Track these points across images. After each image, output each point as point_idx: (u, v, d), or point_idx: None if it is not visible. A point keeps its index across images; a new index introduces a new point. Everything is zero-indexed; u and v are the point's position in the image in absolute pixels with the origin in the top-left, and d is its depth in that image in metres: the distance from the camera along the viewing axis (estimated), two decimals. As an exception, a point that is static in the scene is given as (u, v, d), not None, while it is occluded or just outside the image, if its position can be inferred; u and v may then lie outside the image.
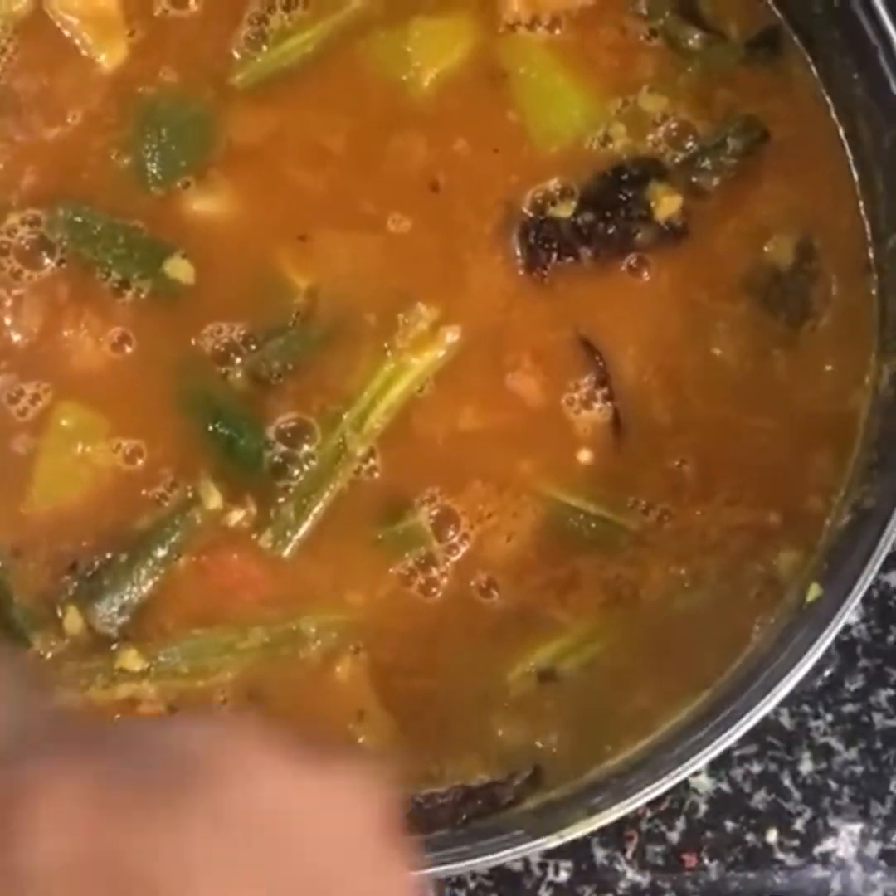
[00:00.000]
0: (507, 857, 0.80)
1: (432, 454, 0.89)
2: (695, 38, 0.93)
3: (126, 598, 0.87)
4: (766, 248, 0.91)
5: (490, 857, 0.79)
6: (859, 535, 0.84)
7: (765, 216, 0.91)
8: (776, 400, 0.91)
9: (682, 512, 0.90)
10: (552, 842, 0.80)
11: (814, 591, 0.85)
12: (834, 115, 0.92)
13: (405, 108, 0.92)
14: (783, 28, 0.93)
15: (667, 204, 0.91)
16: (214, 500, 0.85)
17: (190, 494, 0.87)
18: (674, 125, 0.92)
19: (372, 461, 0.90)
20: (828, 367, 0.91)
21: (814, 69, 0.93)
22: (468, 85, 0.92)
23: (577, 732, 0.87)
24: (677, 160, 0.93)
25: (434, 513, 0.89)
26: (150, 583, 0.87)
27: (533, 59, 0.91)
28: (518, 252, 0.91)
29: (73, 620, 0.88)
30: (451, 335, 0.88)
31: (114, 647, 0.88)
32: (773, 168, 0.92)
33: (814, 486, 0.90)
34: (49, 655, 0.88)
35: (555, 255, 0.90)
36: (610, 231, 0.91)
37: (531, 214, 0.91)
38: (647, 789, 0.81)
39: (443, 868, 0.80)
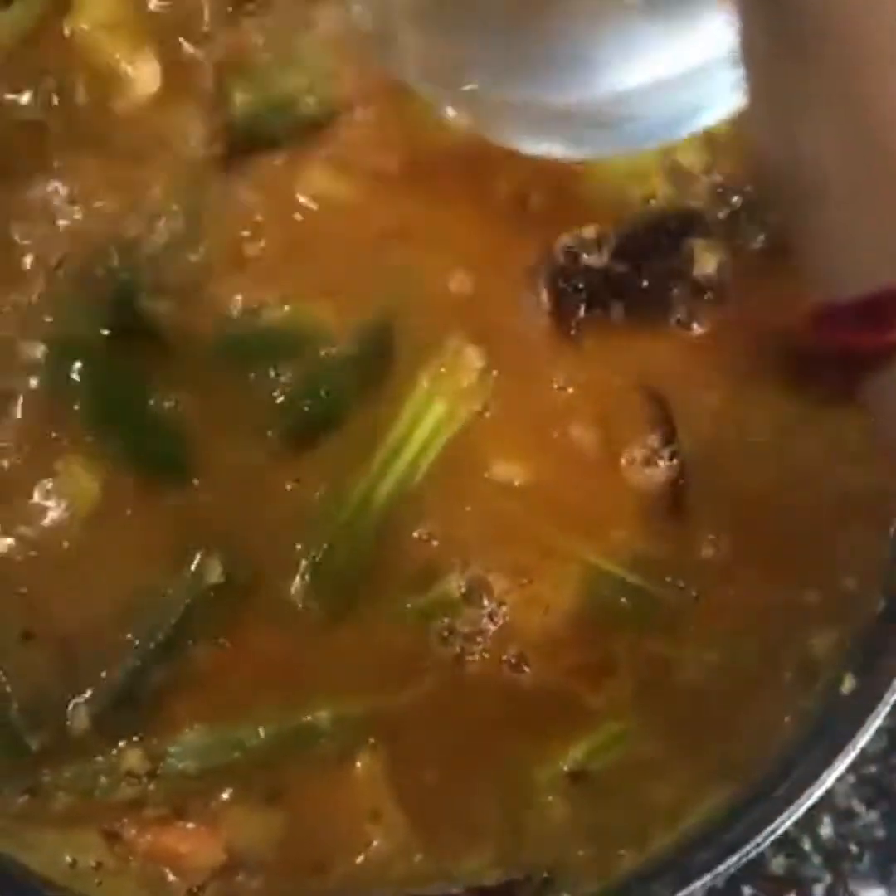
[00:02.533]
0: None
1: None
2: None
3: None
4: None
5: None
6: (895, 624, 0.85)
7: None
8: (813, 474, 0.92)
9: (716, 589, 0.91)
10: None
11: (849, 683, 0.87)
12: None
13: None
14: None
15: (706, 260, 0.91)
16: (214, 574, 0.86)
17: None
18: (718, 178, 0.92)
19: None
20: (868, 440, 0.91)
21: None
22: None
23: (602, 830, 0.89)
24: (721, 216, 0.93)
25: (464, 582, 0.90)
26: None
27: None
28: (545, 300, 0.91)
29: (80, 718, 0.88)
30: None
31: (120, 744, 0.90)
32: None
33: (850, 566, 0.92)
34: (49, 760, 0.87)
35: (583, 307, 0.91)
36: (644, 284, 0.90)
37: (563, 262, 0.92)
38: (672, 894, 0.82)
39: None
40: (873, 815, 1.04)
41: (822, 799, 0.96)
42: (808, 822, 1.03)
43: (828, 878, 1.03)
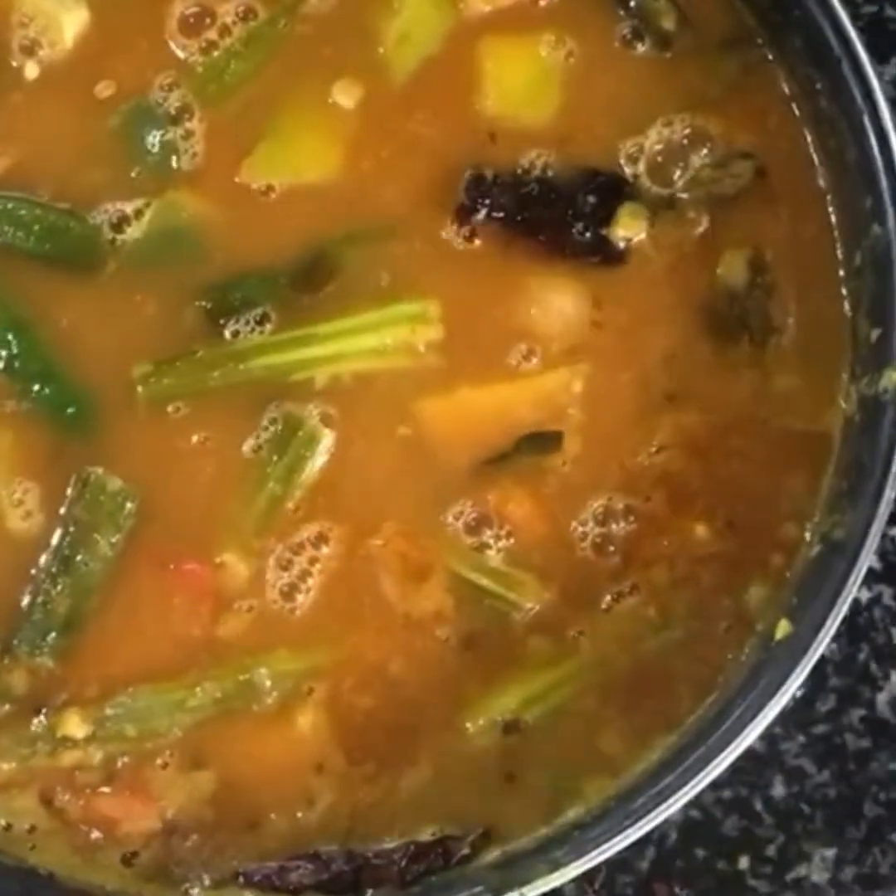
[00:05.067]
0: (466, 915, 0.81)
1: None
2: (670, 18, 0.96)
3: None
4: (718, 271, 0.94)
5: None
6: (829, 569, 0.88)
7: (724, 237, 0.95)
8: (749, 421, 0.95)
9: (650, 541, 0.93)
10: (510, 898, 0.81)
11: (783, 628, 0.89)
12: (804, 127, 0.97)
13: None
14: (755, 31, 0.97)
15: (626, 223, 0.95)
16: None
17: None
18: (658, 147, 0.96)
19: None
20: (799, 386, 0.95)
21: (784, 81, 0.96)
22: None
23: (540, 782, 0.91)
24: (664, 192, 0.96)
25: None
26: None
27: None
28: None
29: (20, 676, 0.90)
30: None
31: (58, 701, 0.91)
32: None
33: (788, 512, 0.94)
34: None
35: (487, 208, 0.94)
36: (549, 212, 0.95)
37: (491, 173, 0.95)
38: (612, 841, 0.84)
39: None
40: (825, 775, 1.05)
41: (772, 760, 1.01)
42: (760, 783, 1.04)
43: (780, 839, 1.04)
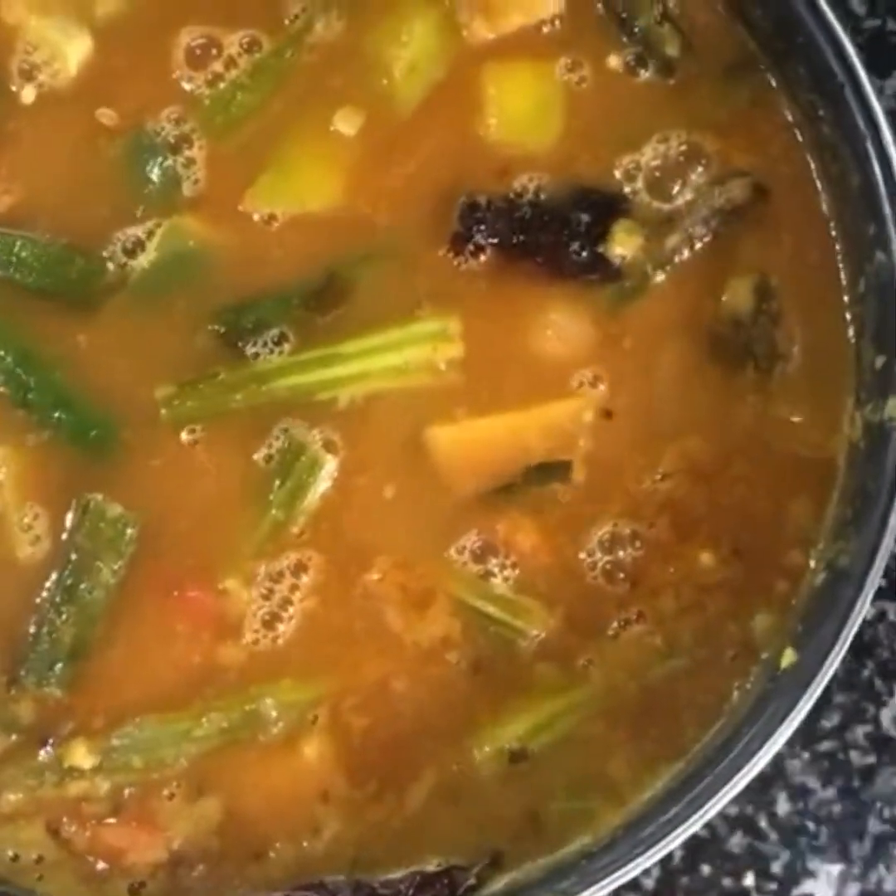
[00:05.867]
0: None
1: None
2: (674, 45, 0.96)
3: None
4: (724, 298, 0.94)
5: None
6: (835, 597, 0.88)
7: (729, 263, 0.95)
8: (754, 447, 0.95)
9: (656, 569, 0.93)
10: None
11: (788, 656, 0.89)
12: (807, 153, 0.97)
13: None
14: (758, 58, 0.97)
15: (622, 240, 0.95)
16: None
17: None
18: (654, 163, 0.96)
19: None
20: (803, 413, 0.95)
21: (786, 107, 0.97)
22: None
23: (547, 810, 0.91)
24: (663, 208, 0.96)
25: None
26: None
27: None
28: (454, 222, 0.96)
29: (27, 707, 0.90)
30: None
31: (65, 731, 0.91)
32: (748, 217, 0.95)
33: (793, 539, 0.94)
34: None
35: (482, 235, 0.95)
36: (543, 236, 0.96)
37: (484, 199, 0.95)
38: (620, 872, 0.84)
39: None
40: (829, 792, 1.05)
41: (776, 777, 1.00)
42: (764, 800, 1.04)
43: (786, 855, 1.04)
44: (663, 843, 0.84)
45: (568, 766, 0.91)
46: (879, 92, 0.87)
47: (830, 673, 0.85)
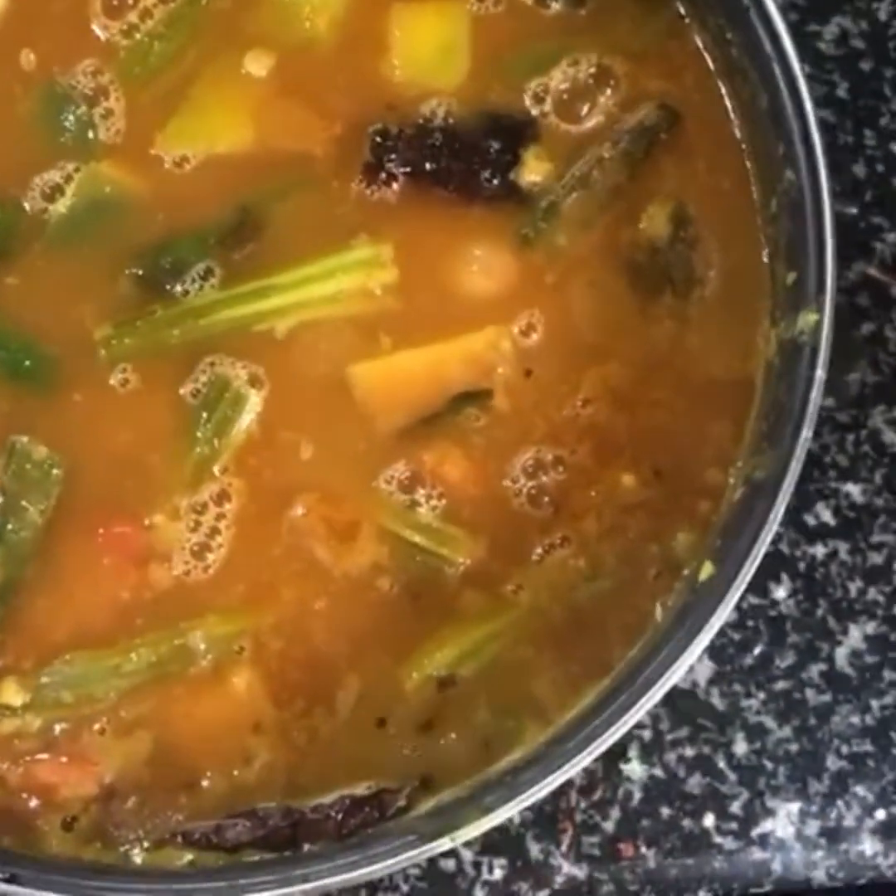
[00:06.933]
0: (399, 865, 0.85)
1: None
2: None
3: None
4: (641, 225, 0.95)
5: (380, 865, 0.84)
6: (751, 510, 0.89)
7: (645, 191, 0.96)
8: (672, 371, 0.96)
9: (579, 494, 0.94)
10: (444, 845, 0.85)
11: (707, 570, 0.90)
12: (718, 80, 0.98)
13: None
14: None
15: (533, 167, 0.96)
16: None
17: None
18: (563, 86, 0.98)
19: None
20: (721, 335, 0.96)
21: (696, 33, 0.98)
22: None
23: (474, 732, 0.92)
24: (573, 131, 0.98)
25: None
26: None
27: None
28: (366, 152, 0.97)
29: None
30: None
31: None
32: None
33: (712, 458, 0.95)
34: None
35: (393, 163, 0.96)
36: (454, 162, 0.97)
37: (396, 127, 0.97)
38: (541, 783, 0.85)
39: (333, 880, 0.84)
40: (786, 731, 1.06)
41: (733, 717, 1.03)
42: (722, 741, 1.05)
43: (744, 795, 1.05)
44: (583, 754, 0.86)
45: (495, 688, 0.92)
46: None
47: (746, 581, 0.86)
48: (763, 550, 0.86)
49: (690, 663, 0.85)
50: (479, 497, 0.95)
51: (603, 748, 0.86)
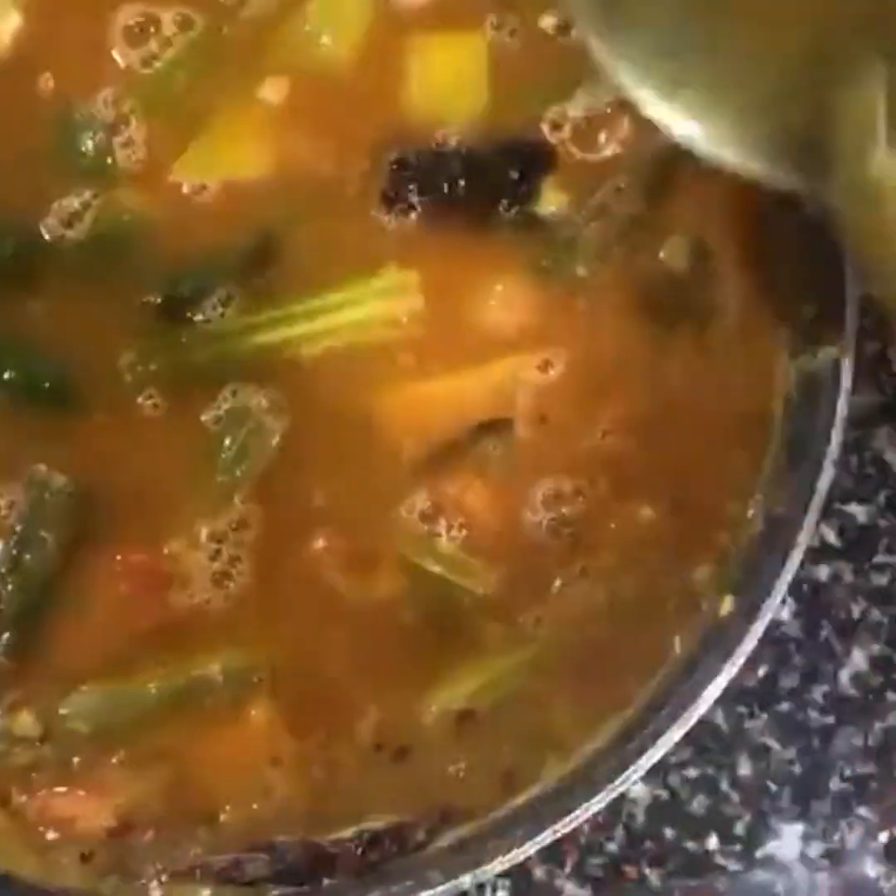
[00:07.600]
0: (421, 900, 0.82)
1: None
2: None
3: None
4: (661, 256, 0.95)
5: (402, 902, 0.81)
6: (772, 544, 0.89)
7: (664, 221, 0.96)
8: (691, 403, 0.96)
9: (596, 525, 0.94)
10: (466, 882, 0.85)
11: (727, 604, 0.90)
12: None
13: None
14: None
15: (550, 198, 0.96)
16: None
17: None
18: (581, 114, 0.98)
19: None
20: (740, 368, 0.96)
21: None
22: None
23: (494, 765, 0.91)
24: (590, 160, 0.98)
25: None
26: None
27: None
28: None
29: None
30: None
31: (11, 700, 0.92)
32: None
33: (731, 490, 0.95)
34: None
35: (411, 193, 0.96)
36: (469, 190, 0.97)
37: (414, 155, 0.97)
38: (563, 820, 0.86)
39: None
40: (790, 752, 1.06)
41: (737, 738, 1.03)
42: (726, 762, 1.05)
43: (748, 817, 1.05)
44: (607, 790, 0.86)
45: (514, 722, 0.91)
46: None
47: (768, 615, 0.86)
48: (786, 584, 0.87)
49: (713, 699, 0.85)
50: (499, 528, 0.94)
51: (625, 785, 0.86)
